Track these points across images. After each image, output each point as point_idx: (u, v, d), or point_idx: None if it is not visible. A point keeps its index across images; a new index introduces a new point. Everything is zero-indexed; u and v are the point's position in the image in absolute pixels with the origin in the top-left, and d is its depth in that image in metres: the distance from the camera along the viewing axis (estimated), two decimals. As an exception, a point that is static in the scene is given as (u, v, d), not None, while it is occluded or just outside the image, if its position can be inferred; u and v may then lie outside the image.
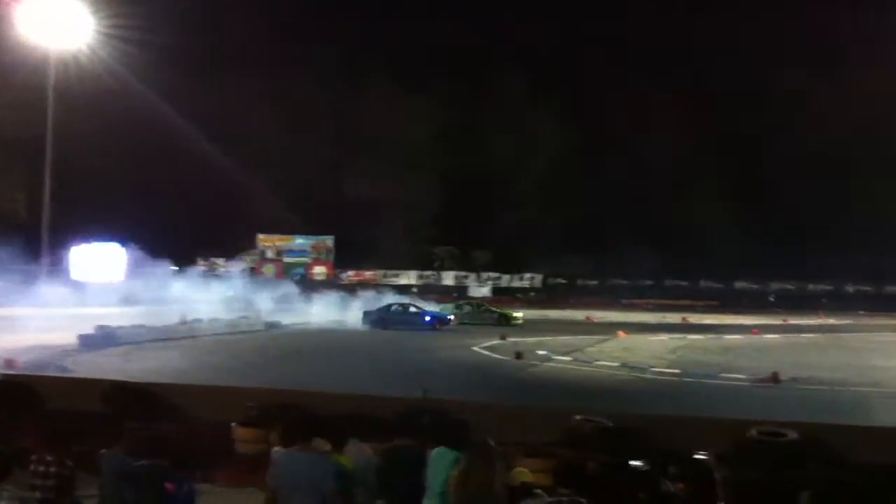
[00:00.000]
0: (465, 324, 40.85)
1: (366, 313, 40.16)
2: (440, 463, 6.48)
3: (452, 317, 41.22)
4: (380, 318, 39.31)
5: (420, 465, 6.75)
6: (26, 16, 47.02)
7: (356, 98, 69.03)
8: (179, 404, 11.72)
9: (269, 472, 6.11)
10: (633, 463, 8.42)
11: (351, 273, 68.95)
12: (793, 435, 10.51)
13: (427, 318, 39.43)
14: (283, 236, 70.04)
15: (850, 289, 73.12)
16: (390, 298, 44.41)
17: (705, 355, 28.70)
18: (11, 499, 5.80)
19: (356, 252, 67.08)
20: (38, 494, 6.69)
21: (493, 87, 71.80)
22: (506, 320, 42.10)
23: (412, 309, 40.94)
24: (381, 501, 7.28)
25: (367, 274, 68.28)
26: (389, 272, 68.06)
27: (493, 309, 44.39)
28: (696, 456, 8.59)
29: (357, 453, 7.28)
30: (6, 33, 47.34)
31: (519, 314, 44.00)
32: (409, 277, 68.33)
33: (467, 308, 44.82)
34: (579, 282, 73.77)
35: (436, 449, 6.65)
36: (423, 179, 68.84)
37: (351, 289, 65.34)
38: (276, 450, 6.24)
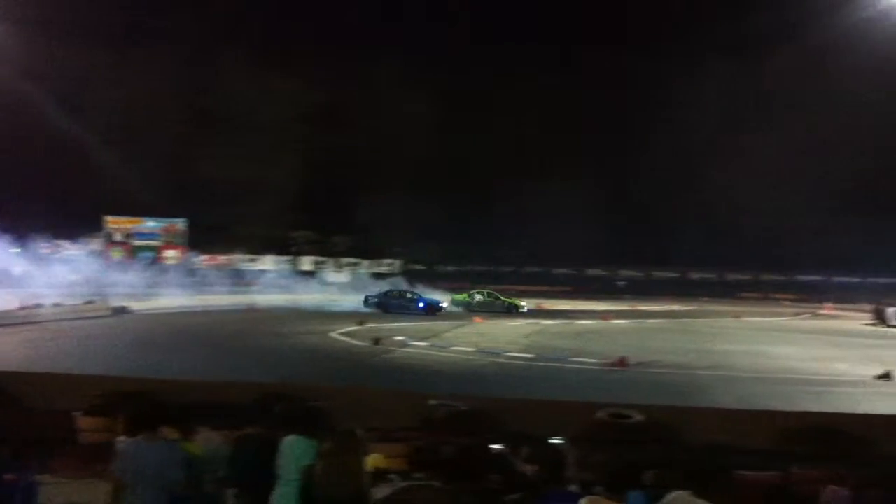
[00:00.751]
0: (475, 311, 41.78)
1: (367, 297, 42.40)
2: (293, 451, 6.38)
3: (445, 304, 43.27)
4: (380, 302, 41.69)
5: (272, 452, 6.63)
6: None
7: (213, 75, 66.73)
8: (18, 392, 11.14)
9: (113, 462, 5.88)
10: (492, 446, 8.56)
11: (204, 257, 66.89)
12: (638, 417, 10.93)
13: (421, 305, 41.42)
14: (132, 218, 67.06)
15: (694, 276, 76.62)
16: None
17: (558, 340, 29.47)
18: None
19: (209, 236, 64.93)
20: None
21: (356, 71, 71.26)
22: (515, 309, 43.63)
23: (408, 295, 43.25)
24: (233, 490, 7.13)
25: (222, 258, 66.43)
26: (245, 257, 66.46)
27: (502, 298, 45.50)
28: (552, 441, 8.82)
29: (207, 441, 7.10)
30: None
31: (524, 302, 45.24)
32: (265, 262, 66.90)
33: (478, 297, 45.65)
34: (438, 268, 74.28)
35: (288, 436, 6.55)
36: (281, 163, 67.58)
37: (203, 273, 63.77)
38: (121, 439, 6.01)
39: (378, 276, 70.25)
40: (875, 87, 60.32)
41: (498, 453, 7.90)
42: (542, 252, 72.73)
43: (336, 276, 67.86)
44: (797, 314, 49.31)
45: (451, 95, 72.49)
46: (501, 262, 75.32)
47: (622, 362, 21.72)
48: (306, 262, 68.41)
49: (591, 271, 78.64)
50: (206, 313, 37.31)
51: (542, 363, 22.31)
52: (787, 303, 65.23)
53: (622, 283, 75.21)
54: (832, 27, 55.38)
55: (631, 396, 15.65)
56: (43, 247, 57.54)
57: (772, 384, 19.38)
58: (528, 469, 7.43)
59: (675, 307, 54.08)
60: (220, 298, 44.09)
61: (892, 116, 58.34)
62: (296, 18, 71.47)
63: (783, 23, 61.97)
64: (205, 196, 61.69)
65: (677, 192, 70.98)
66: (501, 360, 22.72)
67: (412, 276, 68.98)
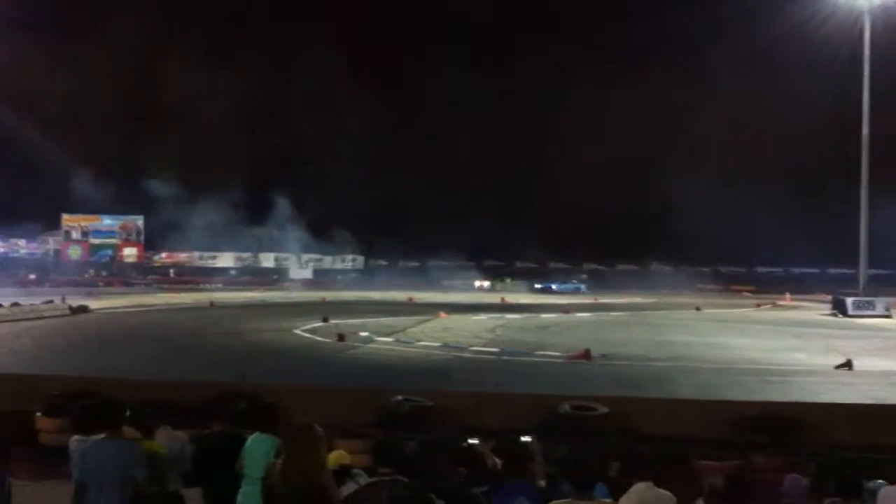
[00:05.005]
0: None
1: None
2: (257, 449, 6.35)
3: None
4: None
5: (237, 451, 6.60)
6: None
7: (164, 71, 65.69)
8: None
9: (71, 462, 5.81)
10: (458, 441, 8.57)
11: (163, 255, 66.02)
12: (602, 409, 11.01)
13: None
14: (89, 216, 65.82)
15: (653, 267, 77.22)
16: None
17: (522, 334, 29.55)
18: None
19: (167, 233, 63.89)
20: None
21: (302, 66, 70.86)
22: None
23: None
24: (198, 489, 7.09)
25: (181, 256, 65.59)
26: (206, 254, 65.69)
27: None
28: (518, 434, 8.85)
29: (170, 440, 7.06)
30: None
31: None
32: (226, 259, 66.26)
33: None
34: (400, 263, 74.04)
35: (253, 435, 6.51)
36: (233, 158, 67.06)
37: (162, 270, 62.99)
38: (77, 439, 5.93)
39: (342, 272, 70.23)
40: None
41: (464, 447, 7.91)
42: (501, 246, 72.74)
43: (300, 272, 67.48)
44: (757, 305, 49.84)
45: (397, 92, 72.70)
46: (461, 256, 75.18)
47: (586, 355, 21.84)
48: (268, 259, 67.77)
49: (552, 265, 79.01)
50: (166, 311, 36.90)
51: (506, 357, 22.37)
52: (747, 294, 65.97)
53: (584, 276, 75.69)
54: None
55: (595, 388, 15.76)
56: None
57: (731, 375, 19.59)
58: (494, 462, 7.45)
59: (637, 300, 54.50)
60: (180, 296, 43.54)
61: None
62: (246, 15, 70.89)
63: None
64: (161, 192, 60.78)
65: (630, 190, 71.58)
66: (467, 355, 22.74)
67: (373, 272, 68.96)
